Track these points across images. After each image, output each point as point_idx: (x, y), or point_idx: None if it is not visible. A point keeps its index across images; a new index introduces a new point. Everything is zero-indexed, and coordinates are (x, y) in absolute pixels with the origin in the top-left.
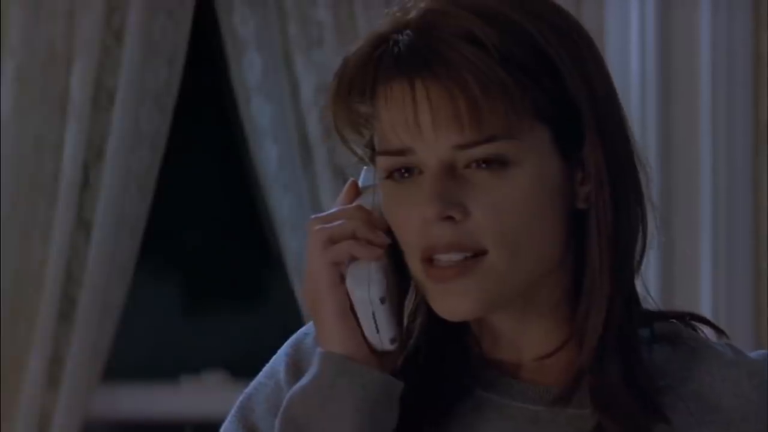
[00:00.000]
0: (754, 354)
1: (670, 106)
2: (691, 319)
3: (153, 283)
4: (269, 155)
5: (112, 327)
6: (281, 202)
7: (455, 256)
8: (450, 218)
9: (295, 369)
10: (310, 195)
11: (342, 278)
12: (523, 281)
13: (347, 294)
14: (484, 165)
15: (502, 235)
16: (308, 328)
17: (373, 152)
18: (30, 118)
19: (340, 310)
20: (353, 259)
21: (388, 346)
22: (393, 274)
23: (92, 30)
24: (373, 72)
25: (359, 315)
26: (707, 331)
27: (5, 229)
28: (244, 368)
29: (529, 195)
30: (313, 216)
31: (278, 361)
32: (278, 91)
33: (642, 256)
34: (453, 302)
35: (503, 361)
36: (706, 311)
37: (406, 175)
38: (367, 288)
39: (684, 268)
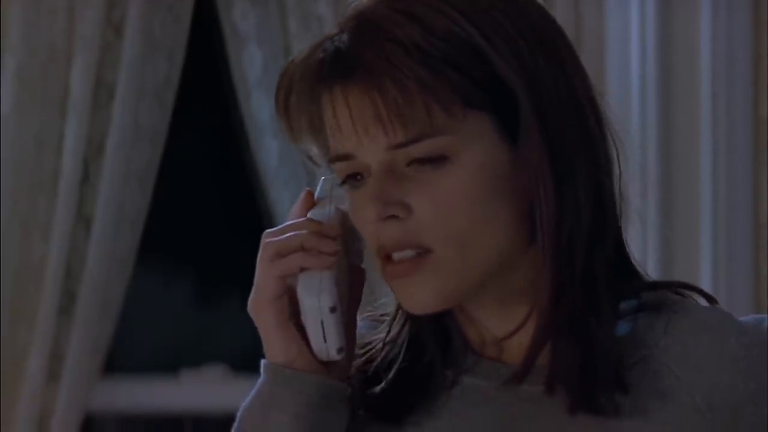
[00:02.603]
0: (744, 318)
1: (670, 105)
2: (680, 287)
3: (153, 278)
4: (269, 150)
5: (112, 322)
6: (282, 197)
7: (407, 253)
8: (394, 217)
9: None
10: None
11: (287, 290)
12: (481, 272)
13: (288, 305)
14: (422, 162)
15: (446, 230)
16: None
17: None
18: (30, 114)
19: (280, 321)
20: (306, 269)
21: (335, 356)
22: (346, 285)
23: (92, 25)
24: (308, 79)
25: (308, 323)
26: (699, 300)
27: (6, 225)
28: (245, 362)
29: (472, 187)
30: (266, 230)
31: None
32: None
33: (610, 240)
34: (413, 295)
35: (488, 344)
36: None
37: (360, 178)
38: (317, 296)
39: (684, 270)
